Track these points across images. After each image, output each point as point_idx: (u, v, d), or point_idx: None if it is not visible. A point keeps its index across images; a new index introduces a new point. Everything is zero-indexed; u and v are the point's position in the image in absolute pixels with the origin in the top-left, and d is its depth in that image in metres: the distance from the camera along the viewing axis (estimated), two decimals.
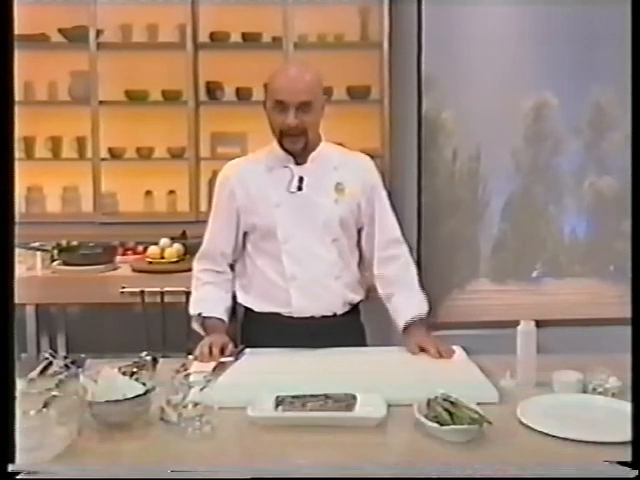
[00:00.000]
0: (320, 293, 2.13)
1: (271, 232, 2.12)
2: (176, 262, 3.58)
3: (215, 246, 2.21)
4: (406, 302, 2.20)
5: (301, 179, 2.12)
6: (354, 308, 2.24)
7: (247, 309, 2.23)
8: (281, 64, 2.21)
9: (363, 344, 2.26)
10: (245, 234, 2.19)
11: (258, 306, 2.18)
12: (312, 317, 2.13)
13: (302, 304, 2.12)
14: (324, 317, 2.14)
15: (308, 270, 2.10)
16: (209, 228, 2.24)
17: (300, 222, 2.11)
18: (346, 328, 2.19)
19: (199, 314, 2.14)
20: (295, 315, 2.13)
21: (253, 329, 2.20)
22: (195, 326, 2.15)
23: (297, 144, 2.08)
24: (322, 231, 2.12)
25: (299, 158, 2.14)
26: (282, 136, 2.07)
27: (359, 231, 2.22)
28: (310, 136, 2.09)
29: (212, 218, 2.24)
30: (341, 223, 2.14)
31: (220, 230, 2.20)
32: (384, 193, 2.25)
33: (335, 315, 2.16)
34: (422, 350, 2.03)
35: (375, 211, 2.21)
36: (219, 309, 2.16)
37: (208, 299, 2.18)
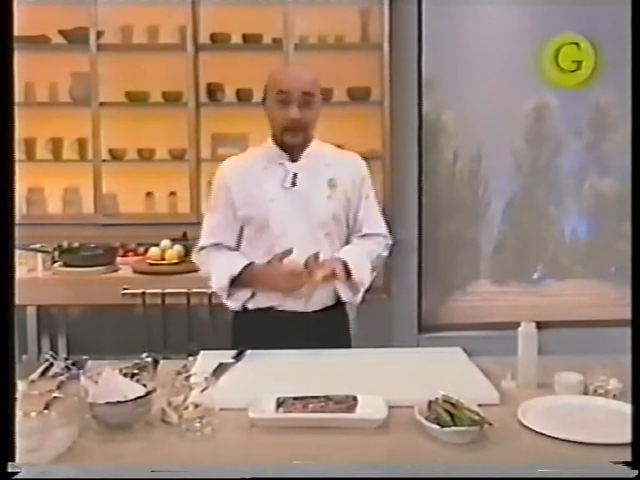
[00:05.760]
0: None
1: (266, 226, 2.15)
2: (177, 264, 3.59)
3: (215, 239, 2.23)
4: (344, 250, 2.21)
5: (295, 175, 2.17)
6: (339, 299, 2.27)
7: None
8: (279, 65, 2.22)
9: (348, 334, 2.31)
10: (241, 228, 2.22)
11: (252, 303, 2.20)
12: (303, 312, 2.17)
13: (294, 299, 2.15)
14: (314, 311, 2.18)
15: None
16: (206, 223, 2.27)
17: (294, 217, 2.14)
18: (333, 320, 2.24)
19: (237, 274, 2.13)
20: (287, 309, 2.16)
21: (243, 326, 2.22)
22: (232, 299, 2.18)
23: (297, 138, 2.13)
24: (315, 226, 2.16)
25: (293, 155, 2.19)
26: (284, 130, 2.12)
27: (347, 226, 2.27)
28: (309, 132, 2.16)
29: (209, 213, 2.28)
30: (334, 218, 2.20)
31: (218, 223, 2.23)
32: (372, 192, 2.30)
33: (324, 309, 2.20)
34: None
35: (363, 208, 2.26)
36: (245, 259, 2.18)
37: (232, 258, 2.19)
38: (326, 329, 2.19)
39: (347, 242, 2.27)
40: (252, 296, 2.19)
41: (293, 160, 2.19)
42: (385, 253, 2.32)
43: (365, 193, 2.26)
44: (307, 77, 2.12)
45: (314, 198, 2.17)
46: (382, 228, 2.32)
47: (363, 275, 2.19)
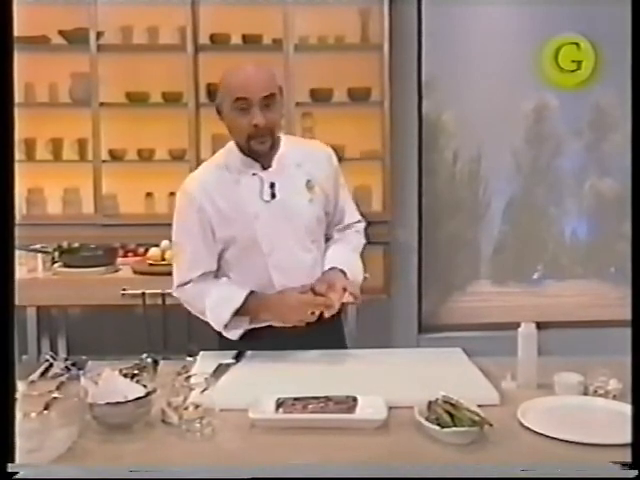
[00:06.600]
0: None
1: (253, 245, 2.03)
2: None
3: (199, 269, 2.07)
4: (334, 254, 2.14)
5: (272, 185, 2.03)
6: None
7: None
8: (232, 65, 2.02)
9: (343, 338, 2.23)
10: (221, 250, 2.07)
11: (251, 326, 2.07)
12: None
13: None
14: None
15: (295, 279, 2.04)
16: (181, 255, 2.11)
17: (281, 231, 2.03)
18: (328, 325, 2.09)
19: (240, 307, 1.99)
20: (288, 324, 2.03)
21: (237, 345, 2.07)
22: (235, 330, 2.04)
23: (265, 144, 1.97)
24: (303, 235, 2.07)
25: (264, 162, 2.04)
26: (249, 138, 1.96)
27: (327, 220, 2.18)
28: (276, 135, 2.03)
29: (181, 242, 2.12)
30: (317, 221, 2.11)
31: (197, 251, 2.07)
32: (343, 179, 2.20)
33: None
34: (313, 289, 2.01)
35: (341, 198, 2.19)
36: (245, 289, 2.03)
37: (229, 289, 2.04)
38: (321, 335, 2.05)
39: (328, 236, 2.19)
40: (250, 321, 2.05)
41: (265, 167, 2.03)
42: (364, 240, 2.26)
43: (340, 182, 2.18)
44: (265, 78, 1.94)
45: (296, 206, 2.05)
46: (357, 213, 2.25)
47: (358, 277, 2.14)
